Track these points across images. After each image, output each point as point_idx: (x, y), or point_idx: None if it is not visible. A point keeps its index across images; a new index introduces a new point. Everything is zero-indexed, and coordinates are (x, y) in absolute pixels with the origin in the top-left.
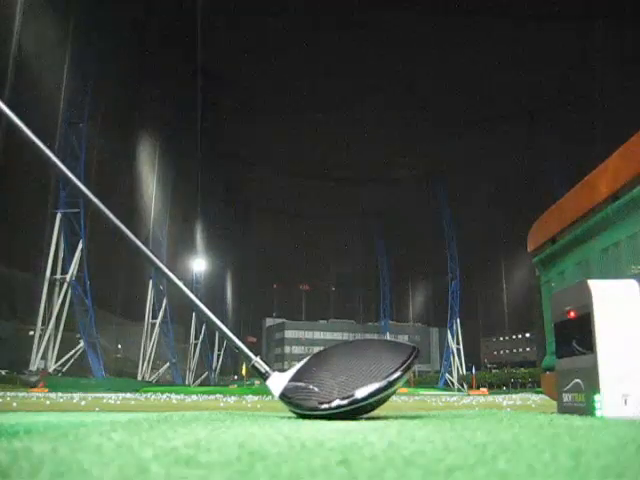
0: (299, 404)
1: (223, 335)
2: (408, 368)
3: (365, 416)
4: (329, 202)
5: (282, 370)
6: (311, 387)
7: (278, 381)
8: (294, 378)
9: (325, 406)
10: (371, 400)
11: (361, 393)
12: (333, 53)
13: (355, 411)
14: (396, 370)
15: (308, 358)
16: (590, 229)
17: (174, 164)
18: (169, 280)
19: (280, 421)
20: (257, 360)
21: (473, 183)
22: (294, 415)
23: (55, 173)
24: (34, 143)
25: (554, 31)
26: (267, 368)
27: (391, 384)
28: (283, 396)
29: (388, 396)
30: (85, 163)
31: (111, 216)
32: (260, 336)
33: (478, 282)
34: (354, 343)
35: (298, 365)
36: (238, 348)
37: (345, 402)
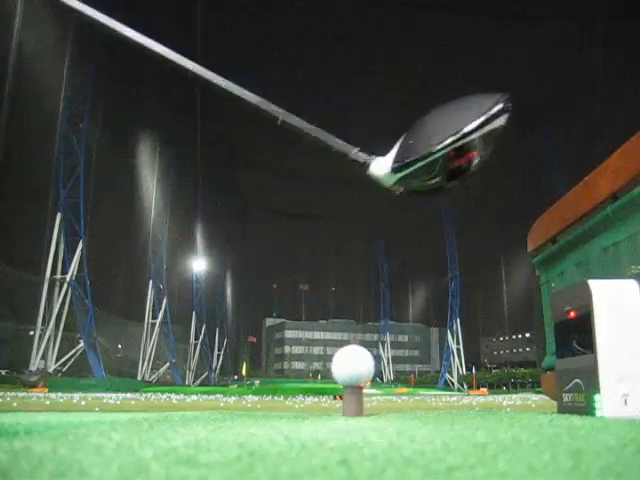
0: (413, 153)
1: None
2: (508, 105)
3: (365, 416)
4: (329, 203)
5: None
6: (415, 142)
7: (382, 164)
8: (398, 153)
9: (438, 147)
10: (479, 133)
11: (469, 127)
12: (334, 53)
13: (467, 150)
14: (494, 105)
15: (402, 138)
16: (590, 229)
17: (174, 164)
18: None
19: (280, 421)
20: (356, 152)
21: (473, 183)
22: (294, 415)
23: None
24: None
25: (555, 31)
26: (366, 156)
27: (492, 117)
28: (395, 170)
29: (494, 134)
30: (85, 163)
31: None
32: (260, 336)
33: (478, 282)
34: (441, 105)
35: (396, 145)
36: (326, 142)
37: (456, 137)
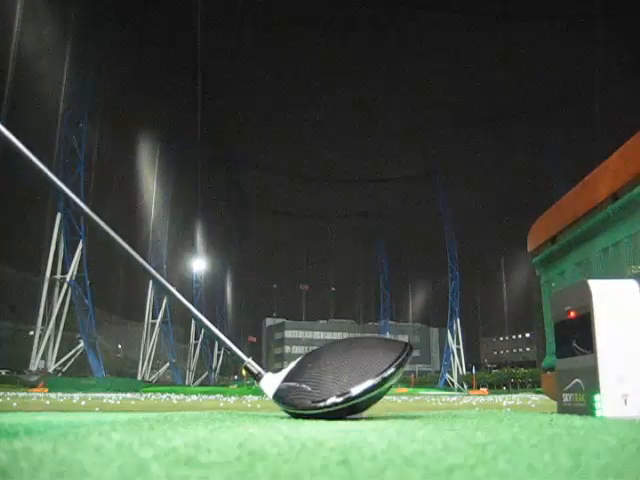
0: (293, 404)
1: (216, 338)
2: (401, 364)
3: (365, 416)
4: (329, 202)
5: (281, 370)
6: (305, 386)
7: (271, 381)
8: (287, 378)
9: (320, 404)
10: (366, 397)
11: (356, 390)
12: (333, 54)
13: (350, 409)
14: (390, 366)
15: (301, 357)
16: (590, 229)
17: (174, 164)
18: (165, 290)
19: (280, 421)
20: (249, 361)
21: (473, 183)
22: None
23: (55, 190)
24: (34, 163)
25: (555, 31)
26: (259, 369)
27: (385, 380)
28: (277, 397)
29: (382, 393)
30: (85, 163)
31: (108, 229)
32: (260, 336)
33: (478, 282)
34: (347, 341)
35: (291, 365)
36: (230, 350)
37: (340, 400)
